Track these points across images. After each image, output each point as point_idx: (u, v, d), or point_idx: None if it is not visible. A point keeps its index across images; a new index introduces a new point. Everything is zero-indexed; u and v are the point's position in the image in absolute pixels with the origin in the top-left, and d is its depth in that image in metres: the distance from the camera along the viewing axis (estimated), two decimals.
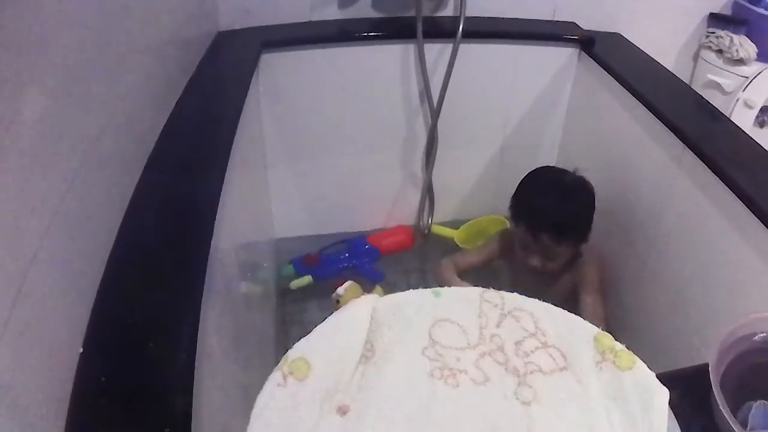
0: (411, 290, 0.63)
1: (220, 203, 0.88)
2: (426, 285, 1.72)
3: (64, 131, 0.65)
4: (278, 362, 0.54)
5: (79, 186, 0.66)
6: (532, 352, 0.57)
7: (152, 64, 1.02)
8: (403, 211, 1.85)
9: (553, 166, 1.37)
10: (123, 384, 0.60)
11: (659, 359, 1.28)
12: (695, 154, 1.15)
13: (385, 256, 1.75)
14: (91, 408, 0.58)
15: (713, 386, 0.56)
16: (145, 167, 0.92)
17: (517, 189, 1.32)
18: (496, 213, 1.85)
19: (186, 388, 0.59)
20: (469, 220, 1.83)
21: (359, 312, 0.60)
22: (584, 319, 1.30)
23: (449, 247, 1.79)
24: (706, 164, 1.12)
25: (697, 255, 1.18)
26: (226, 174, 0.94)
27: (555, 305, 1.33)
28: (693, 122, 1.25)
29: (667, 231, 1.28)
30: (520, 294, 0.63)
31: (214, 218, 0.83)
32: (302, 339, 0.57)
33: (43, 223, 0.58)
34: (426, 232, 1.83)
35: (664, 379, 0.57)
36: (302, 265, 1.67)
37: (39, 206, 0.58)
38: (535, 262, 1.28)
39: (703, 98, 1.36)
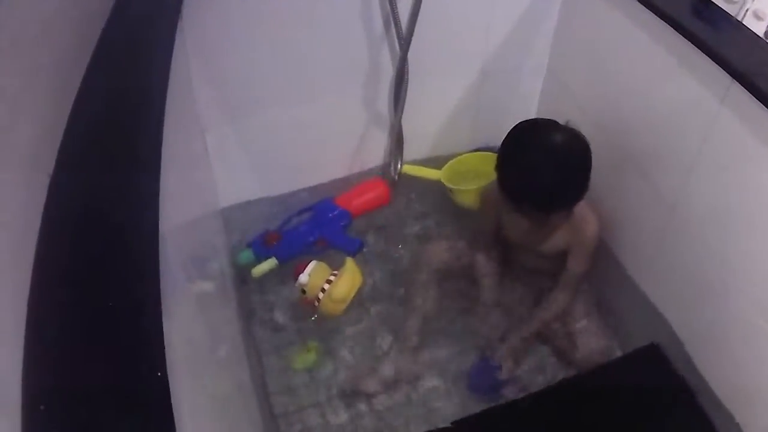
0: None
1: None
2: (404, 242, 1.50)
3: None
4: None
5: None
6: None
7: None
8: (369, 157, 1.60)
9: (539, 121, 1.10)
10: None
11: (683, 314, 1.19)
12: (740, 83, 0.97)
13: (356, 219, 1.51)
14: None
15: None
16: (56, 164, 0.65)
17: (500, 149, 1.09)
18: (476, 147, 1.63)
19: None
20: (445, 157, 1.59)
21: None
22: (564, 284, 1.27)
23: (429, 190, 1.57)
24: (753, 93, 0.95)
25: (737, 199, 1.03)
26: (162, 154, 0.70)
27: (549, 259, 1.26)
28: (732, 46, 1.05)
29: (697, 170, 1.11)
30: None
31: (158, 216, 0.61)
32: None
33: None
34: (396, 178, 1.59)
35: None
36: (263, 247, 1.40)
37: None
38: (522, 229, 1.20)
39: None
